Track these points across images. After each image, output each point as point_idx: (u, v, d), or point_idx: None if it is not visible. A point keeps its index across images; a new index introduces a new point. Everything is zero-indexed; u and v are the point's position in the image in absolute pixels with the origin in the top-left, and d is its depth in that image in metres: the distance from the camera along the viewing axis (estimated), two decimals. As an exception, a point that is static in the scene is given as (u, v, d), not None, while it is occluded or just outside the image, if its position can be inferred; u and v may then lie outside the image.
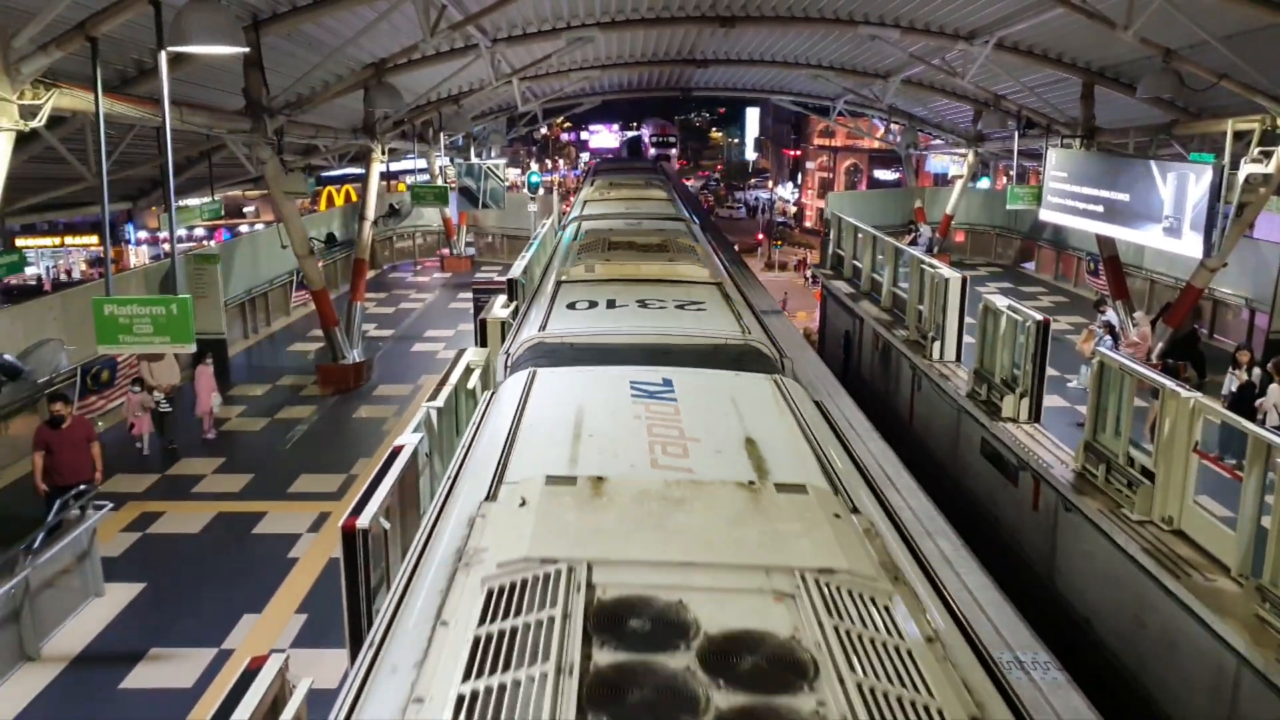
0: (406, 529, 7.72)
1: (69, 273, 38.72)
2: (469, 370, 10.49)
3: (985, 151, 23.48)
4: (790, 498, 3.16)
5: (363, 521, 6.44)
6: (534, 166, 79.50)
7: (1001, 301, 13.49)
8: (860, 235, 22.38)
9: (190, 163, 17.48)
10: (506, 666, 2.20)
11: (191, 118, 10.60)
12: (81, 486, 8.52)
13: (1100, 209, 15.55)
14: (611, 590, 2.48)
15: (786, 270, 55.28)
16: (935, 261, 17.29)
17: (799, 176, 73.42)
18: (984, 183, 32.25)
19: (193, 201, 18.25)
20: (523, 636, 2.29)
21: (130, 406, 12.00)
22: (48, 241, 38.55)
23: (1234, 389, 11.38)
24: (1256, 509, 7.74)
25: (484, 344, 13.27)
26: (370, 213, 17.12)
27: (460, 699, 2.13)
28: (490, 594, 2.54)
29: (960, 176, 26.40)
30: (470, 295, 18.60)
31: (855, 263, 22.78)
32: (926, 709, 2.19)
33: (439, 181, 24.52)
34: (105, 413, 12.58)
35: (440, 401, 9.23)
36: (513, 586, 2.54)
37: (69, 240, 39.43)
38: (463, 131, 24.43)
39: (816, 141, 67.22)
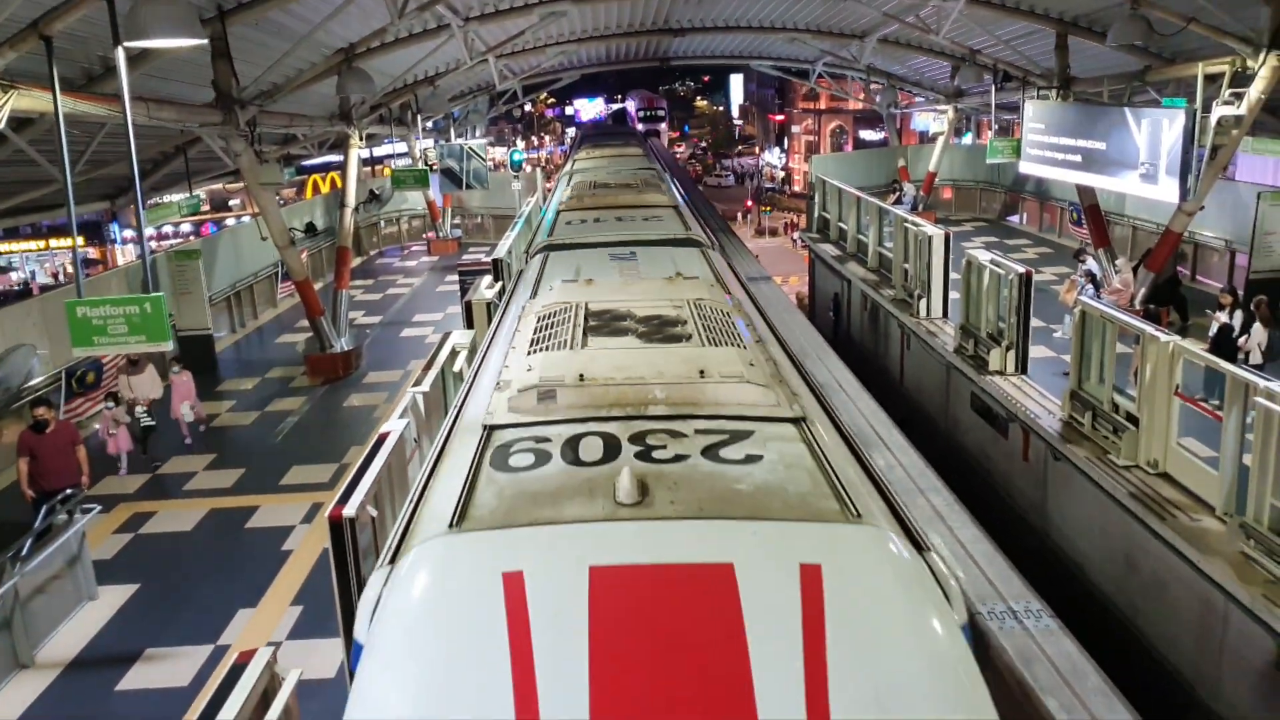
0: (396, 515, 7.78)
1: (56, 275, 38.42)
2: (455, 353, 10.50)
3: (965, 107, 23.37)
4: (689, 281, 6.04)
5: (349, 510, 6.49)
6: (519, 145, 78.98)
7: (984, 256, 13.48)
8: (844, 197, 22.32)
9: (166, 158, 17.34)
10: (550, 335, 4.84)
11: (159, 113, 10.50)
12: (68, 491, 8.52)
13: (1078, 159, 15.51)
14: (594, 308, 5.23)
15: (777, 236, 55.18)
16: (918, 220, 17.27)
17: (785, 141, 72.96)
18: (968, 138, 32.10)
19: (175, 197, 18.10)
20: (557, 326, 4.98)
21: (104, 423, 11.30)
22: (32, 245, 38.25)
23: (1214, 329, 11.43)
24: (1237, 448, 7.80)
25: (470, 326, 13.31)
26: (351, 200, 17.02)
27: (531, 347, 4.78)
28: (539, 318, 5.27)
29: (941, 133, 26.25)
30: (457, 277, 18.71)
31: (841, 225, 22.74)
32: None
33: (420, 165, 24.31)
34: (93, 414, 12.49)
35: (426, 386, 9.25)
36: (550, 313, 5.28)
37: (53, 243, 39.19)
38: (441, 113, 24.25)
39: (801, 105, 66.76)
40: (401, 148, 26.02)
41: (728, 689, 2.33)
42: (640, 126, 66.03)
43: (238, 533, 9.71)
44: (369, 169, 30.64)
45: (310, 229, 18.60)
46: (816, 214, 25.20)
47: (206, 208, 45.32)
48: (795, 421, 3.82)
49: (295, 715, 4.81)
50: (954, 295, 15.02)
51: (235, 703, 4.46)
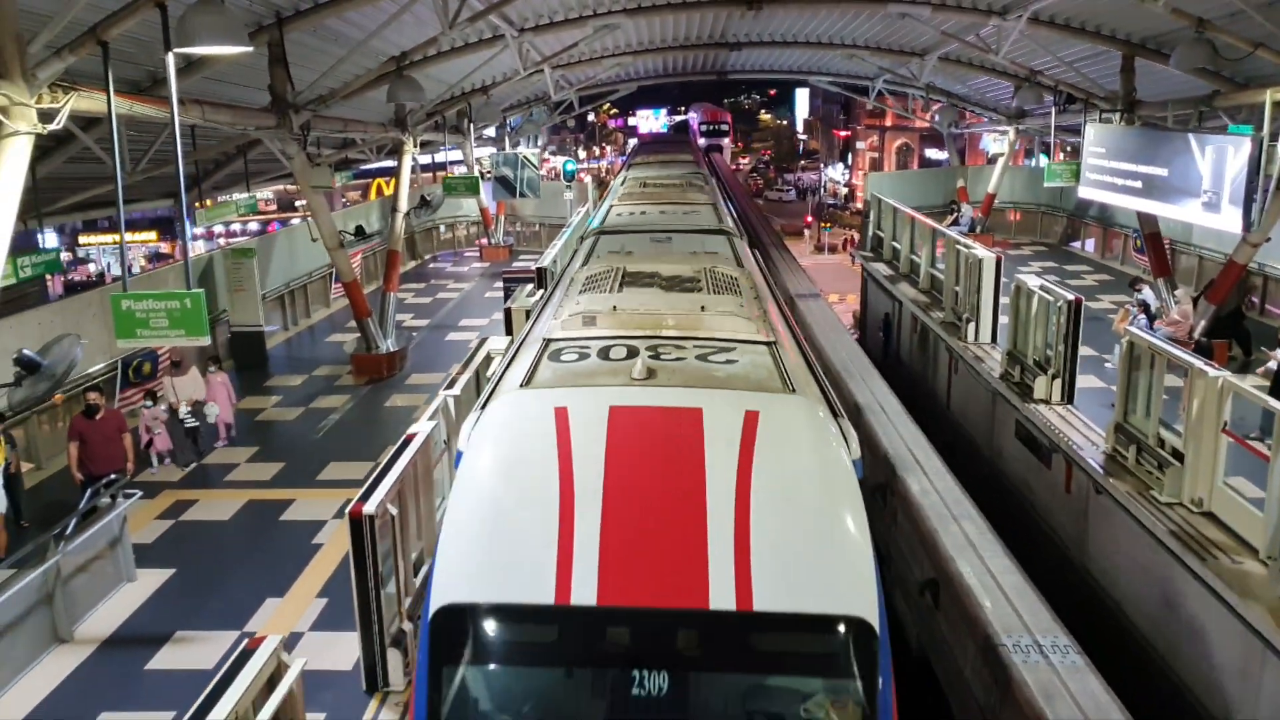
0: (421, 515, 7.90)
1: (130, 268, 39.88)
2: (489, 358, 10.63)
3: (1027, 128, 22.87)
4: (710, 255, 7.73)
5: (369, 508, 6.65)
6: (580, 154, 79.37)
7: (1034, 281, 13.19)
8: (899, 216, 22.03)
9: (229, 158, 17.94)
10: (595, 286, 6.60)
11: (214, 115, 10.86)
12: (112, 476, 8.84)
13: (1139, 184, 15.06)
14: (629, 270, 6.76)
15: (837, 253, 54.53)
16: (970, 241, 16.96)
17: (849, 157, 72.23)
18: (1043, 160, 31.41)
19: (239, 196, 18.69)
20: (601, 281, 6.64)
21: (144, 422, 11.41)
22: (108, 239, 39.84)
23: (1274, 366, 10.97)
24: (1286, 489, 7.47)
25: (510, 332, 13.44)
26: (403, 205, 17.37)
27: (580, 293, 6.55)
28: (588, 277, 6.83)
29: (1001, 155, 25.76)
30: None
31: (895, 244, 22.45)
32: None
33: (474, 172, 24.73)
34: (131, 410, 12.85)
35: (457, 390, 9.38)
36: (596, 273, 6.90)
37: (128, 237, 40.77)
38: (494, 122, 24.63)
39: (865, 122, 66.06)
40: (459, 155, 26.44)
41: (690, 475, 4.03)
42: (702, 141, 60.94)
43: (272, 525, 9.95)
44: (429, 175, 31.19)
45: (360, 232, 19.04)
46: (871, 232, 24.94)
47: (273, 207, 46.69)
48: (768, 344, 5.39)
49: (299, 701, 4.94)
50: (1004, 320, 14.71)
51: (240, 686, 4.61)
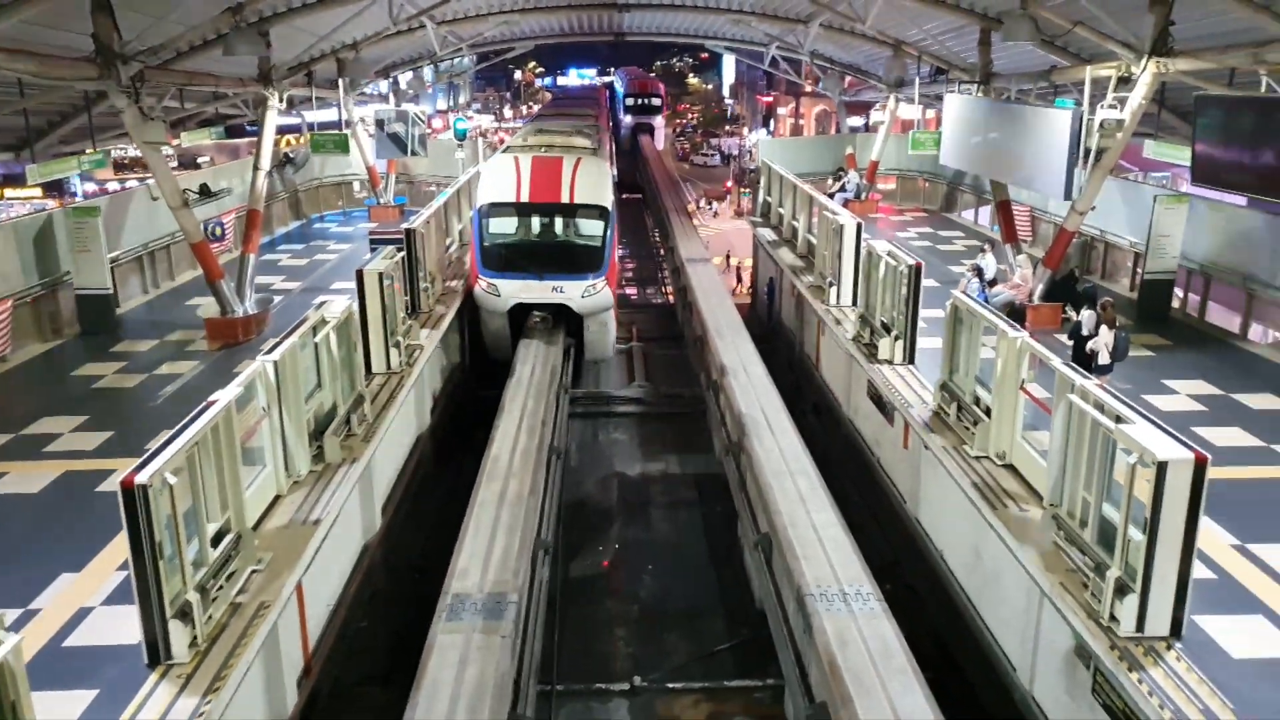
0: (226, 484, 7.69)
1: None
2: (321, 324, 10.39)
3: (904, 97, 23.37)
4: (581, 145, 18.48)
5: (142, 478, 6.42)
6: (507, 112, 76.96)
7: (882, 246, 13.57)
8: (784, 182, 22.31)
9: (77, 111, 16.96)
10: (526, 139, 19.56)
11: (11, 64, 10.16)
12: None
13: (986, 153, 15.62)
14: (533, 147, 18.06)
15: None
16: (836, 208, 17.32)
17: (771, 123, 72.53)
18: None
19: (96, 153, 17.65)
20: (528, 137, 19.70)
21: None
22: None
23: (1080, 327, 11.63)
24: (1063, 441, 7.93)
25: (362, 297, 13.15)
26: (264, 163, 16.77)
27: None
28: (522, 139, 19.96)
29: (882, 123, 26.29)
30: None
31: (780, 210, 22.77)
32: None
33: (352, 129, 24.00)
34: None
35: (277, 355, 9.15)
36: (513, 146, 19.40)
37: (9, 193, 38.46)
38: (365, 78, 23.97)
39: (786, 89, 66.32)
40: (361, 112, 25.66)
41: (559, 170, 16.34)
42: (627, 119, 49.68)
43: (88, 496, 9.52)
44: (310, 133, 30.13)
45: (205, 190, 18.31)
46: (761, 198, 25.22)
47: (173, 165, 44.41)
48: (594, 150, 17.96)
49: (18, 676, 4.76)
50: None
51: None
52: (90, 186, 41.23)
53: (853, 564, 8.99)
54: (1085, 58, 15.58)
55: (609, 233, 15.87)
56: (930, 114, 30.60)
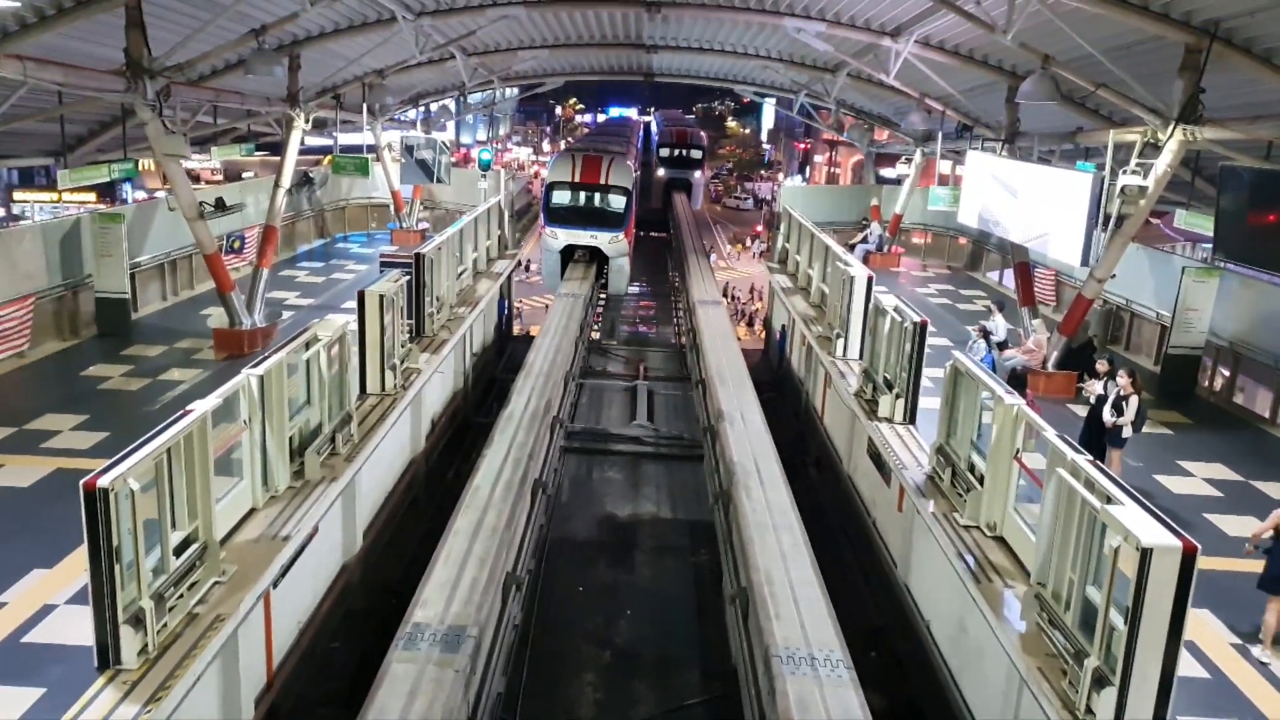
0: (196, 494, 7.64)
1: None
2: (312, 342, 10.38)
3: (931, 151, 23.29)
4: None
5: (105, 481, 6.39)
6: (546, 146, 77.71)
7: (889, 301, 13.37)
8: (802, 230, 22.23)
9: (117, 120, 17.29)
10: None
11: (38, 73, 10.41)
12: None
13: (1004, 213, 15.43)
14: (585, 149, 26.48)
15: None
16: (849, 258, 17.18)
17: (807, 170, 72.77)
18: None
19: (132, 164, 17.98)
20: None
21: None
22: (45, 197, 38.26)
23: (1093, 400, 11.31)
24: (1053, 517, 7.65)
25: (362, 318, 13.18)
26: (285, 181, 17.00)
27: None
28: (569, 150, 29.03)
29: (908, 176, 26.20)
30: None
31: (798, 258, 22.66)
32: None
33: (382, 154, 24.35)
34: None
35: (262, 369, 9.14)
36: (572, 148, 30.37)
37: (66, 197, 39.24)
38: (398, 106, 24.52)
39: (824, 137, 66.60)
40: (389, 137, 26.18)
41: (600, 163, 23.59)
42: (661, 173, 40.55)
43: (73, 494, 9.51)
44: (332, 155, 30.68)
45: (220, 204, 18.60)
46: (780, 244, 25.15)
47: (219, 177, 45.28)
48: (622, 154, 25.58)
49: None
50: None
51: None
52: (141, 195, 42.15)
53: (826, 628, 8.63)
54: (1115, 120, 15.44)
55: (630, 204, 23.48)
56: (960, 170, 30.49)
